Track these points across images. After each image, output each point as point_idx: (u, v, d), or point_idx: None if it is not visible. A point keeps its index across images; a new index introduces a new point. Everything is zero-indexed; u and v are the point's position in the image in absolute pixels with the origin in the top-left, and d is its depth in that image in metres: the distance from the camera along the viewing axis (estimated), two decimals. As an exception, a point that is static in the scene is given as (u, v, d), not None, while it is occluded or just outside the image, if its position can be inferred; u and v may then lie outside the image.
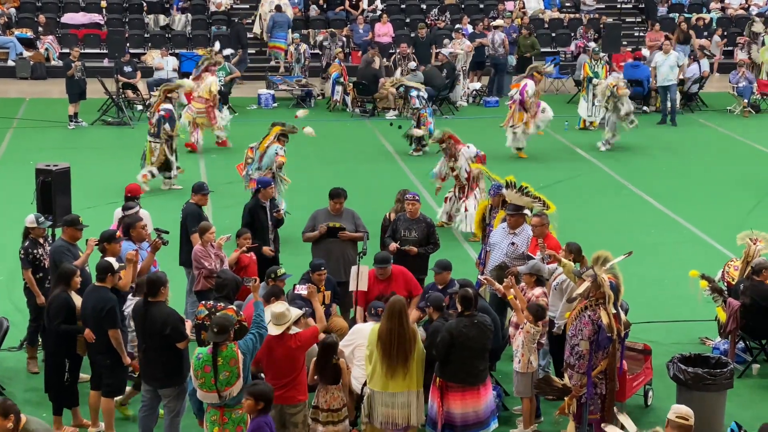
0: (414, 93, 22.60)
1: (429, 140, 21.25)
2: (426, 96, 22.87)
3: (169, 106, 19.65)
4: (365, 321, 11.07)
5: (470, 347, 9.91)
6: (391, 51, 31.35)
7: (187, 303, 12.99)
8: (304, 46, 29.22)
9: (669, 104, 25.99)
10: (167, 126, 19.43)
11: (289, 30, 31.04)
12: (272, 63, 30.77)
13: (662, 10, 34.67)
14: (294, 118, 17.19)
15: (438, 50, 29.25)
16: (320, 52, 29.69)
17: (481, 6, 34.67)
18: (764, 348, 12.56)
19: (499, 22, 30.15)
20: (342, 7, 33.69)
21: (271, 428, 8.90)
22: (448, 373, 9.99)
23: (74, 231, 11.82)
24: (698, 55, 28.25)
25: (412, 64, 27.38)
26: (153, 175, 19.36)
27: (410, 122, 22.65)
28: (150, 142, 19.42)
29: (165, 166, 19.49)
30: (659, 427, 8.68)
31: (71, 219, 11.94)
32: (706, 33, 33.07)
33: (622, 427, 8.74)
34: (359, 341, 10.46)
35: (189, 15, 33.19)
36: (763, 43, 28.83)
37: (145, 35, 32.52)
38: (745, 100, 27.17)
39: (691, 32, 31.37)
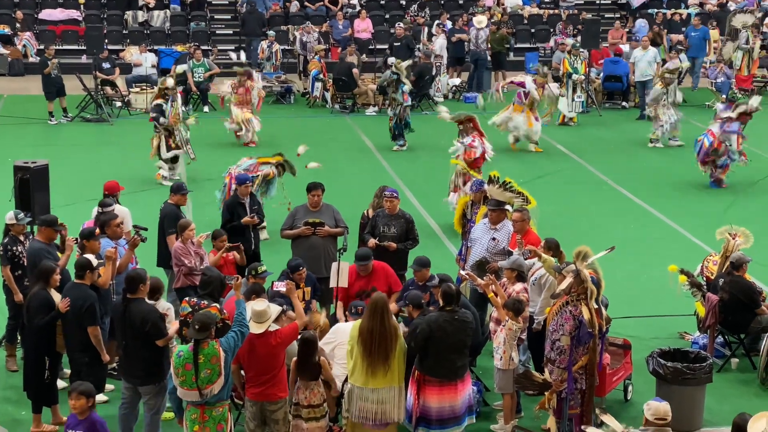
0: (406, 89, 22.48)
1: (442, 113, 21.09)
2: (405, 89, 22.75)
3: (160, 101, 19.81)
4: (346, 319, 11.06)
5: (448, 342, 9.90)
6: (370, 47, 31.38)
7: (168, 301, 12.92)
8: (276, 46, 29.18)
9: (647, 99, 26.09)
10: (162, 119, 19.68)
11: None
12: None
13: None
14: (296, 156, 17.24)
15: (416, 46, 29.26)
16: (300, 51, 29.61)
17: (461, 2, 34.70)
18: (743, 342, 12.62)
19: (483, 20, 30.16)
20: (321, 3, 33.66)
21: (103, 425, 9.04)
22: (426, 366, 9.99)
23: (51, 232, 11.76)
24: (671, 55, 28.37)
25: (391, 60, 27.37)
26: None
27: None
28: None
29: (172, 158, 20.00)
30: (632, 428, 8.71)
31: (50, 220, 11.86)
32: (683, 29, 33.20)
33: (602, 424, 8.75)
34: (340, 340, 10.46)
35: (167, 11, 33.11)
36: (747, 41, 28.90)
37: (124, 31, 32.43)
38: (723, 96, 27.25)
39: (663, 32, 31.48)
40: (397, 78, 22.41)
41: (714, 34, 31.31)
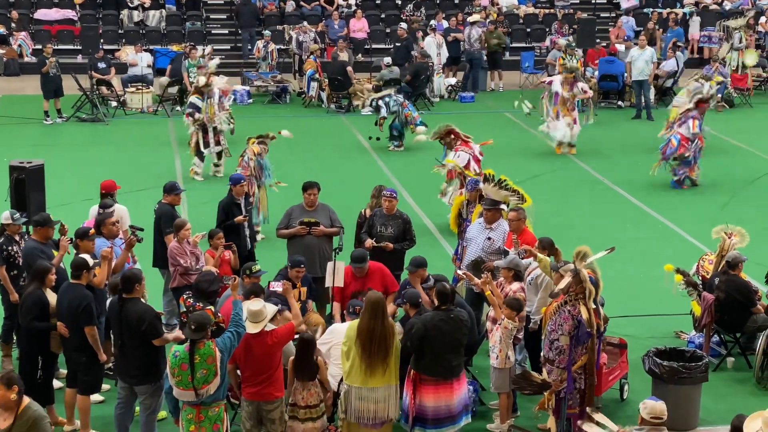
0: (382, 103, 22.52)
1: (419, 136, 21.15)
2: (398, 100, 22.74)
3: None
4: (343, 319, 11.05)
5: (444, 341, 9.90)
6: (366, 47, 31.36)
7: (164, 302, 12.94)
8: (272, 45, 29.17)
9: (643, 99, 26.13)
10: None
11: None
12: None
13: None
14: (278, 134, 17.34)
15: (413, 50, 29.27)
16: (296, 50, 29.63)
17: (456, 1, 34.71)
18: (738, 341, 12.62)
19: (476, 17, 30.20)
20: (317, 2, 33.66)
21: None
22: (422, 366, 9.98)
23: (47, 230, 11.75)
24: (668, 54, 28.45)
25: (387, 59, 27.41)
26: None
27: (388, 122, 22.69)
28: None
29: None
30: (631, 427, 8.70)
31: (44, 219, 11.84)
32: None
33: (597, 423, 8.75)
34: (336, 340, 10.45)
35: (163, 11, 33.11)
36: (741, 41, 28.94)
37: (119, 31, 32.42)
38: (719, 95, 27.27)
39: (658, 32, 31.59)
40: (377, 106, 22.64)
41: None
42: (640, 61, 25.99)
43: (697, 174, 19.98)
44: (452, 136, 17.02)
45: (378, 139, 22.95)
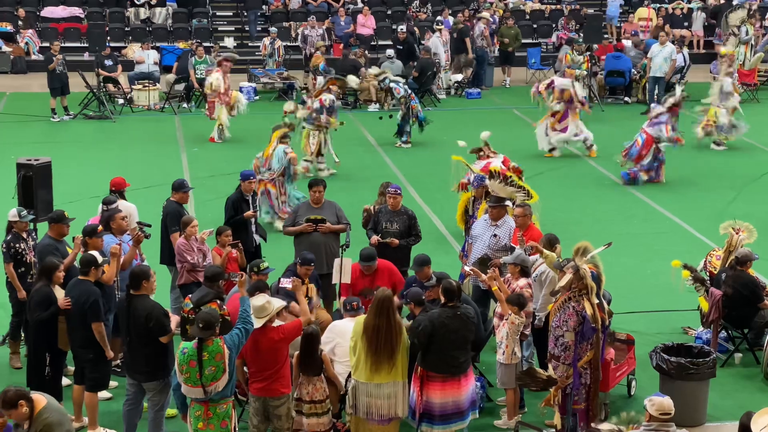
0: (395, 84, 22.60)
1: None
2: (407, 87, 22.81)
3: (330, 96, 19.88)
4: (341, 316, 11.05)
5: (451, 338, 9.90)
6: (372, 43, 31.34)
7: (171, 298, 12.95)
8: (279, 42, 29.15)
9: (656, 95, 26.11)
10: (323, 116, 19.69)
11: None
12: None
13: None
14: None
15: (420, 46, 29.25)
16: (303, 44, 29.65)
17: (463, -3, 34.73)
18: (746, 337, 12.62)
19: (484, 14, 30.14)
20: (323, -1, 33.70)
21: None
22: (429, 362, 9.98)
23: (61, 227, 11.77)
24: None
25: (390, 52, 27.40)
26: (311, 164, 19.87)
27: (397, 113, 22.67)
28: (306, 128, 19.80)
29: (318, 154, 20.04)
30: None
31: (57, 216, 11.86)
32: (686, 23, 33.20)
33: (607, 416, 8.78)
34: (338, 339, 10.46)
35: (170, 8, 33.14)
36: (747, 33, 28.88)
37: (126, 29, 32.44)
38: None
39: (666, 27, 31.57)
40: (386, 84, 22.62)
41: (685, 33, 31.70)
42: (659, 58, 25.98)
43: (660, 174, 19.83)
44: (482, 152, 16.96)
45: (390, 116, 22.81)
